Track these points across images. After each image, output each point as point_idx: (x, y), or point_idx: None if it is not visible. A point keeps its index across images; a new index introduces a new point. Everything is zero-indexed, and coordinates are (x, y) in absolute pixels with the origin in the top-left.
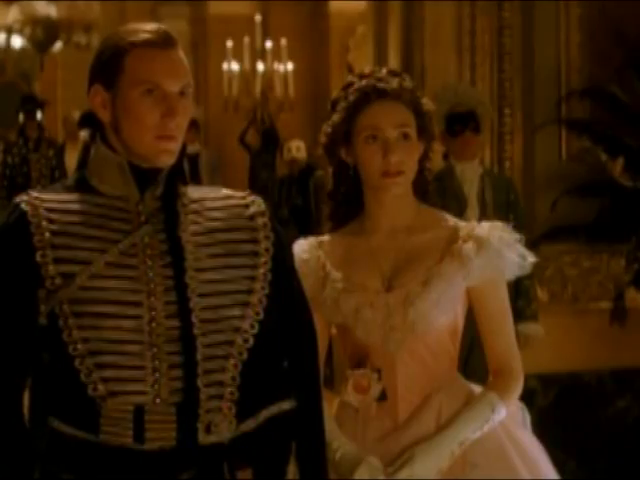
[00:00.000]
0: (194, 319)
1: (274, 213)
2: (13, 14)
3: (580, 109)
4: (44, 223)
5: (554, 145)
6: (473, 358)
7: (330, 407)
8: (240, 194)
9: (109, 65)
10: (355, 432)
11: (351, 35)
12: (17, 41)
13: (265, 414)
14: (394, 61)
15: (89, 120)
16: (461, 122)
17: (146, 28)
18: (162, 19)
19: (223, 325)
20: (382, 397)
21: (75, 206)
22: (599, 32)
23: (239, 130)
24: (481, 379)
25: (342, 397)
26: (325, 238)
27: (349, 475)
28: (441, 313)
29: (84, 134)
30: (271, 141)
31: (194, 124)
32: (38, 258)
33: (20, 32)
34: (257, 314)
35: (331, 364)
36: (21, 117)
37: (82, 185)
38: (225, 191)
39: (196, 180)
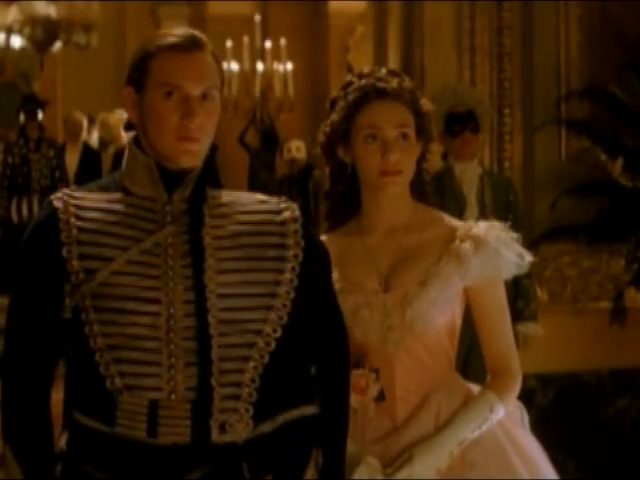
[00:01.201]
0: (211, 319)
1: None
2: (13, 14)
3: (580, 109)
4: (72, 220)
5: (554, 145)
6: (472, 359)
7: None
8: (275, 200)
9: (138, 68)
10: (354, 432)
11: (350, 35)
12: (17, 41)
13: (285, 417)
14: (394, 61)
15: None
16: (460, 122)
17: (174, 32)
18: (161, 19)
19: (243, 327)
20: (380, 397)
21: (105, 205)
22: (599, 32)
23: (239, 130)
24: (481, 380)
25: None
26: (322, 238)
27: (348, 475)
28: (439, 313)
29: (125, 136)
30: (271, 141)
31: None
32: (64, 253)
33: (20, 32)
34: (281, 318)
35: None
36: (22, 117)
37: (115, 185)
38: (260, 196)
39: None
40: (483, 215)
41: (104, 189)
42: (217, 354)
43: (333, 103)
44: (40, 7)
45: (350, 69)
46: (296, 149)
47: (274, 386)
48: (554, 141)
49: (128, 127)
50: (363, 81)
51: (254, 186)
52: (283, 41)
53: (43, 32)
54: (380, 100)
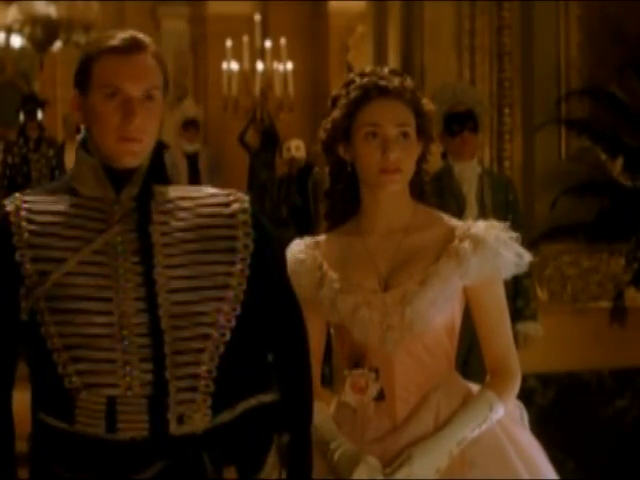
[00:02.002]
0: (162, 314)
1: (273, 212)
2: (12, 14)
3: (580, 109)
4: (24, 224)
5: (554, 144)
6: (473, 358)
7: (328, 407)
8: (224, 192)
9: (81, 71)
10: (353, 432)
11: (351, 35)
12: (16, 41)
13: (243, 406)
14: (394, 60)
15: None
16: (459, 121)
17: (116, 35)
18: (161, 19)
19: (195, 320)
20: (380, 397)
21: (55, 207)
22: (599, 32)
23: (238, 129)
24: (481, 379)
25: (340, 397)
26: (322, 238)
27: (348, 475)
28: (438, 312)
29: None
30: (270, 140)
31: (194, 124)
32: (17, 257)
33: (19, 32)
34: (234, 309)
35: (330, 364)
36: (21, 117)
37: (65, 187)
38: (210, 190)
39: (195, 179)
40: (483, 215)
41: (54, 192)
42: (170, 348)
43: (335, 101)
44: (40, 7)
45: (350, 69)
46: (295, 148)
47: (231, 376)
48: (554, 141)
49: (78, 129)
50: (365, 79)
51: (254, 186)
52: (283, 41)
53: (43, 32)
54: (382, 98)
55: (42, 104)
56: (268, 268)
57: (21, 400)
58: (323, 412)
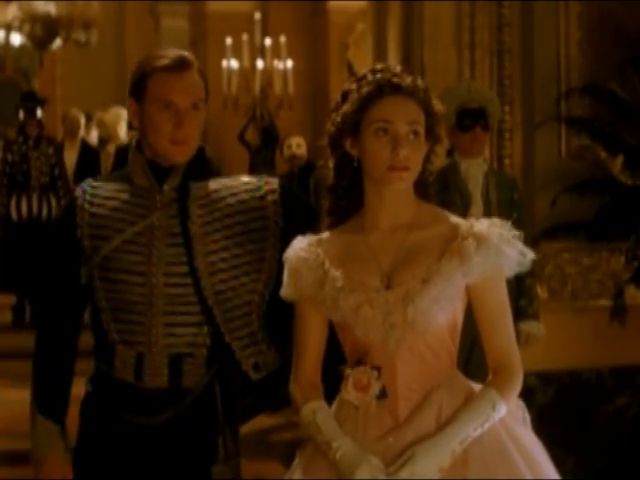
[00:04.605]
0: (207, 294)
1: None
2: (12, 11)
3: (580, 106)
4: (86, 206)
5: (554, 142)
6: (475, 356)
7: (330, 405)
8: (256, 178)
9: (137, 85)
10: (355, 430)
11: (350, 32)
12: (16, 38)
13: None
14: (394, 58)
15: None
16: (472, 117)
17: (167, 54)
18: (161, 16)
19: (238, 291)
20: (382, 395)
21: (113, 194)
22: (599, 30)
23: (238, 127)
24: (483, 378)
25: (342, 395)
26: (324, 236)
27: (350, 475)
28: (441, 311)
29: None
30: (270, 138)
31: None
32: (78, 233)
33: (19, 29)
34: (270, 277)
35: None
36: (21, 114)
37: (124, 177)
38: (244, 179)
39: None
40: (487, 212)
41: (116, 180)
42: (221, 318)
43: (345, 95)
44: (40, 5)
45: (350, 67)
46: (297, 145)
47: (275, 331)
48: (554, 138)
49: (130, 127)
50: (378, 75)
51: None
52: (283, 38)
53: (43, 29)
54: (394, 95)
55: (41, 102)
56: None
57: (21, 400)
58: (324, 411)
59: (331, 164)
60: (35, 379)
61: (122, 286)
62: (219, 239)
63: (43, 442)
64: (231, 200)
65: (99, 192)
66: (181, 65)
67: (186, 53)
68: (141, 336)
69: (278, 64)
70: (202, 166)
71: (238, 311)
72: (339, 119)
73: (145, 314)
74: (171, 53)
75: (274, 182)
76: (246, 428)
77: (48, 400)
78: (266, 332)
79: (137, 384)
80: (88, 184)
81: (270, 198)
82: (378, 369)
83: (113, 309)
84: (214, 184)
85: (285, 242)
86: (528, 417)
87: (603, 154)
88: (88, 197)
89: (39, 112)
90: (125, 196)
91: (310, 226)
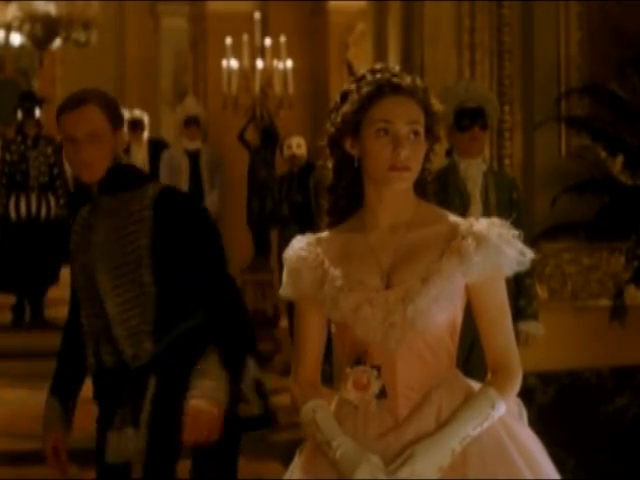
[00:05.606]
0: (99, 281)
1: (274, 209)
2: (12, 11)
3: (580, 106)
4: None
5: (554, 142)
6: (474, 356)
7: (330, 405)
8: (142, 190)
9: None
10: (355, 429)
11: (350, 32)
12: (16, 38)
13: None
14: (393, 58)
15: None
16: (470, 117)
17: (71, 95)
18: (161, 17)
19: (124, 288)
20: (382, 394)
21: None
22: (599, 30)
23: (238, 127)
24: (482, 377)
25: (342, 395)
26: (323, 235)
27: (350, 474)
28: (440, 310)
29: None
30: (270, 138)
31: (196, 121)
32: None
33: (19, 29)
34: (153, 273)
35: (330, 361)
36: (20, 114)
37: None
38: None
39: (196, 177)
40: (487, 212)
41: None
42: (114, 313)
43: (344, 95)
44: (40, 4)
45: (350, 67)
46: (297, 145)
47: (163, 316)
48: (554, 138)
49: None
50: (378, 75)
51: (254, 183)
52: (283, 38)
53: (43, 29)
54: (394, 95)
55: (40, 102)
56: (172, 237)
57: (21, 400)
58: (324, 410)
59: (330, 164)
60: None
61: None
62: (113, 240)
63: (47, 417)
64: (119, 213)
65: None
66: (77, 102)
67: (87, 90)
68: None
69: (278, 64)
70: (111, 182)
71: (126, 305)
72: (339, 119)
73: (92, 324)
74: (74, 93)
75: (152, 187)
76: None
77: (57, 383)
78: (156, 326)
79: (100, 367)
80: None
81: (146, 202)
82: (378, 368)
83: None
84: (112, 200)
85: (161, 241)
86: (525, 414)
87: (603, 154)
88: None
89: (37, 112)
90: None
91: (193, 225)
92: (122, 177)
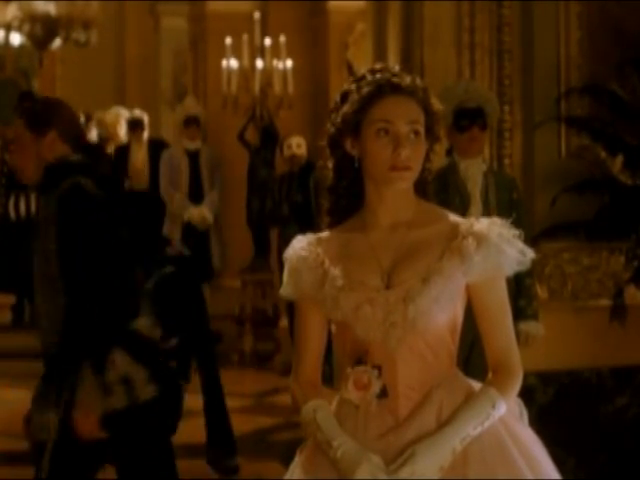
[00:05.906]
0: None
1: (274, 209)
2: (12, 11)
3: (579, 106)
4: None
5: (553, 142)
6: (475, 355)
7: (330, 405)
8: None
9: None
10: (356, 429)
11: (350, 32)
12: (16, 38)
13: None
14: (393, 58)
15: None
16: (469, 117)
17: None
18: (161, 16)
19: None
20: (382, 394)
21: None
22: (598, 29)
23: (238, 127)
24: (483, 377)
25: (342, 394)
26: (324, 235)
27: (350, 474)
28: (441, 310)
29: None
30: (270, 138)
31: (196, 121)
32: None
33: (19, 29)
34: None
35: (330, 361)
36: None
37: None
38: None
39: (196, 177)
40: (487, 212)
41: None
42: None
43: (344, 96)
44: (39, 4)
45: (350, 66)
46: (297, 145)
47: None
48: (554, 138)
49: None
50: (377, 75)
51: (253, 183)
52: (282, 38)
53: (42, 29)
54: (394, 95)
55: None
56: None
57: (21, 400)
58: (325, 410)
59: (331, 164)
60: None
61: None
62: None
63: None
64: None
65: None
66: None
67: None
68: None
69: (278, 64)
70: (41, 183)
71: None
72: (339, 119)
73: None
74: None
75: (64, 185)
76: (246, 428)
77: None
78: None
79: None
80: None
81: (52, 209)
82: (378, 368)
83: None
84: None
85: (65, 236)
86: (525, 413)
87: (603, 154)
88: None
89: None
90: None
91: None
92: (47, 179)
